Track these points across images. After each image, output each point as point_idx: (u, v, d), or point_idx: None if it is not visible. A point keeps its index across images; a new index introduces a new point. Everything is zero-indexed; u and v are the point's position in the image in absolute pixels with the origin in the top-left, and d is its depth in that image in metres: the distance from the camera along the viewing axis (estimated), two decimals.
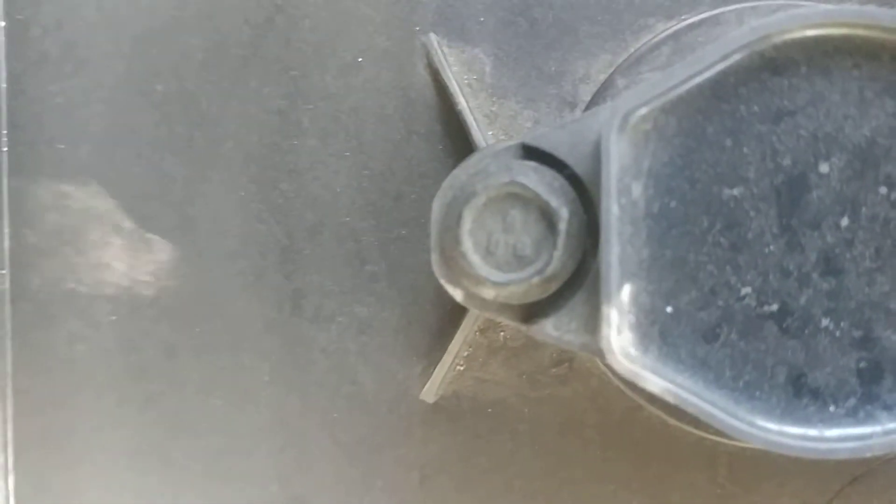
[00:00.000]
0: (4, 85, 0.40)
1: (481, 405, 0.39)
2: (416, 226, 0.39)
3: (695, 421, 0.30)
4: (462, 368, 0.39)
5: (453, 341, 0.38)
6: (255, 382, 0.40)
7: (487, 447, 0.40)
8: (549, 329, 0.29)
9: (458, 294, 0.30)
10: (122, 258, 0.40)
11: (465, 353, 0.39)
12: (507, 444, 0.40)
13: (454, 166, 0.30)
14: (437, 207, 0.30)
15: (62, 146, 0.40)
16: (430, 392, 0.39)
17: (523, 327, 0.30)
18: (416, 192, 0.39)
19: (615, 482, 0.39)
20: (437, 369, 0.39)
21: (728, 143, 0.29)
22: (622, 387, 0.37)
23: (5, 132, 0.40)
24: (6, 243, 0.40)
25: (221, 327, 0.40)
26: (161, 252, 0.40)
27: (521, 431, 0.39)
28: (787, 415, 0.29)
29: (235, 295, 0.40)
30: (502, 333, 0.39)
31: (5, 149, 0.40)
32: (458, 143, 0.38)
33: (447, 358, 0.38)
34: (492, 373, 0.39)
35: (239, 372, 0.40)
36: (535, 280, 0.29)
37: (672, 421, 0.38)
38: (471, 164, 0.30)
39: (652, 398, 0.35)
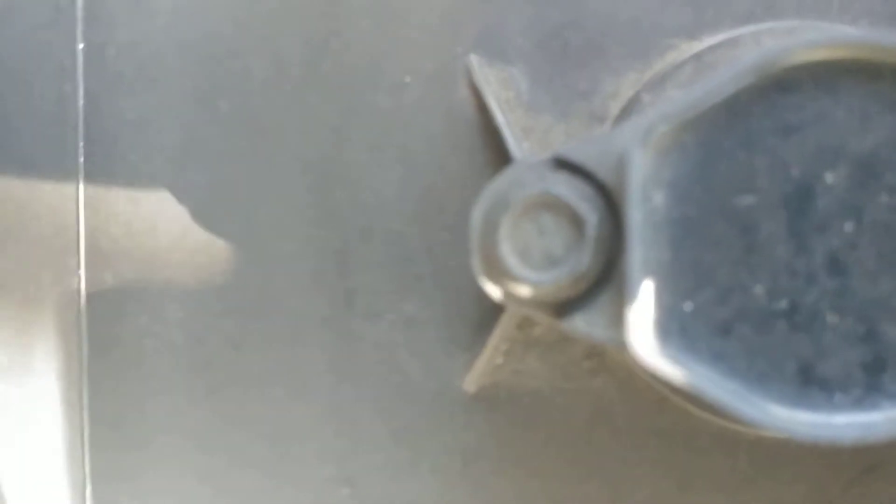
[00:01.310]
0: (82, 102, 0.42)
1: (518, 395, 0.41)
2: (459, 231, 0.40)
3: (715, 410, 0.32)
4: (500, 361, 0.41)
5: (492, 336, 0.40)
6: (312, 373, 0.42)
7: (524, 434, 0.41)
8: (580, 324, 0.31)
9: (496, 292, 0.32)
10: (190, 260, 0.42)
11: (504, 347, 0.40)
12: (542, 431, 0.41)
13: (493, 177, 0.32)
14: (476, 215, 0.32)
15: (134, 157, 0.42)
16: (471, 382, 0.41)
17: (556, 323, 0.32)
18: (459, 201, 0.40)
19: (642, 466, 0.41)
20: (477, 361, 0.41)
21: (741, 156, 0.31)
22: (648, 379, 0.39)
23: (82, 144, 0.42)
24: (82, 246, 0.43)
25: (281, 323, 0.42)
26: (225, 255, 0.42)
27: (556, 420, 0.41)
28: (797, 402, 0.31)
29: (294, 293, 0.42)
30: (537, 329, 0.40)
31: (82, 159, 0.43)
32: (497, 155, 0.40)
33: (487, 351, 0.40)
34: (528, 365, 0.41)
35: (297, 364, 0.42)
36: (566, 279, 0.31)
37: (695, 411, 0.40)
38: (507, 175, 0.32)
39: (676, 389, 0.37)
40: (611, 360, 0.40)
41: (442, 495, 0.42)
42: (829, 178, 0.31)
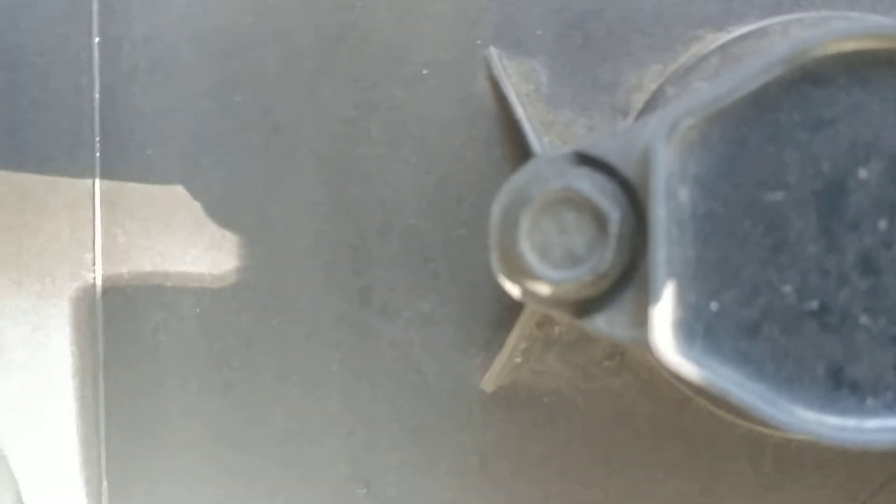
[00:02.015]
0: (98, 96, 0.43)
1: (537, 395, 0.41)
2: (477, 227, 0.40)
3: (741, 413, 0.31)
4: (519, 360, 0.40)
5: (511, 335, 0.39)
6: (327, 371, 0.42)
7: (543, 435, 0.41)
8: (601, 324, 0.31)
9: (515, 291, 0.32)
10: (205, 255, 0.42)
11: (522, 346, 0.40)
12: (561, 432, 0.41)
13: (512, 172, 0.32)
14: (496, 211, 0.31)
15: (150, 152, 0.42)
16: (489, 382, 0.41)
17: (577, 322, 0.31)
18: (477, 196, 0.40)
19: (664, 469, 0.40)
20: (495, 361, 0.40)
21: (770, 150, 0.30)
22: (671, 379, 0.38)
23: (98, 139, 0.43)
24: (98, 241, 0.43)
25: (296, 320, 0.42)
26: (241, 250, 0.42)
27: (576, 420, 0.41)
28: (827, 406, 0.30)
29: (309, 290, 0.42)
30: (557, 328, 0.40)
31: (98, 154, 0.43)
32: (517, 149, 0.40)
33: (505, 350, 0.40)
34: (547, 365, 0.40)
35: (312, 361, 0.42)
36: (588, 278, 0.30)
37: (720, 412, 0.39)
38: (528, 170, 0.31)
39: (699, 390, 0.36)
40: (632, 360, 0.40)
41: (459, 496, 0.42)
42: (862, 173, 0.30)
